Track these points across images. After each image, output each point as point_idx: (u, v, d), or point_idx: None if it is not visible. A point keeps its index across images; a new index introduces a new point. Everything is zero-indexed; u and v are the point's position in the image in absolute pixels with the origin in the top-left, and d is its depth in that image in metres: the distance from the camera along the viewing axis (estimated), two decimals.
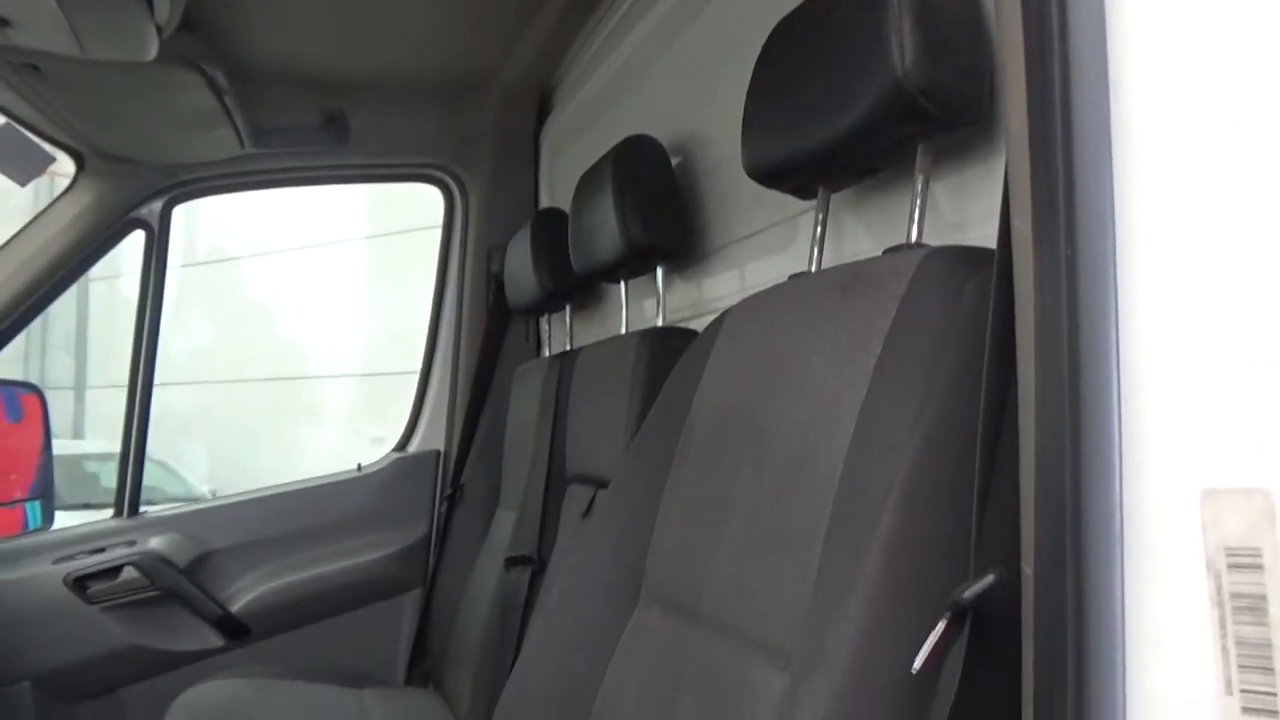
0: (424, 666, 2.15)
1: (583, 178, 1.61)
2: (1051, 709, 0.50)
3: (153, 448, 2.22)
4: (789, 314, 0.93)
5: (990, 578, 0.55)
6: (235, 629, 2.02)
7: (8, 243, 1.92)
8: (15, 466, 2.42)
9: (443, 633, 2.04)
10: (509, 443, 2.07)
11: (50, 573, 1.90)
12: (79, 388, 9.34)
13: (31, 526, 2.35)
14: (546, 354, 2.13)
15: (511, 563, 1.69)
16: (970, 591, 0.56)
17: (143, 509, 2.09)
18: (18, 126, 1.84)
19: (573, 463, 1.64)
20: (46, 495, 2.39)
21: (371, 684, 1.98)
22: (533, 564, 1.63)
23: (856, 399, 0.76)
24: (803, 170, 1.00)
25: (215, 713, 1.63)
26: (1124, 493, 0.49)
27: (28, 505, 2.36)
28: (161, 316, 2.11)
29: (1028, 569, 0.53)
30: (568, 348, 1.90)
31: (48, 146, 1.91)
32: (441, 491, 2.26)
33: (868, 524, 0.66)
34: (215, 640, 2.00)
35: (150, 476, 2.35)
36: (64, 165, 2.02)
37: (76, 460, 6.63)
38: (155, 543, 1.99)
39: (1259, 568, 0.46)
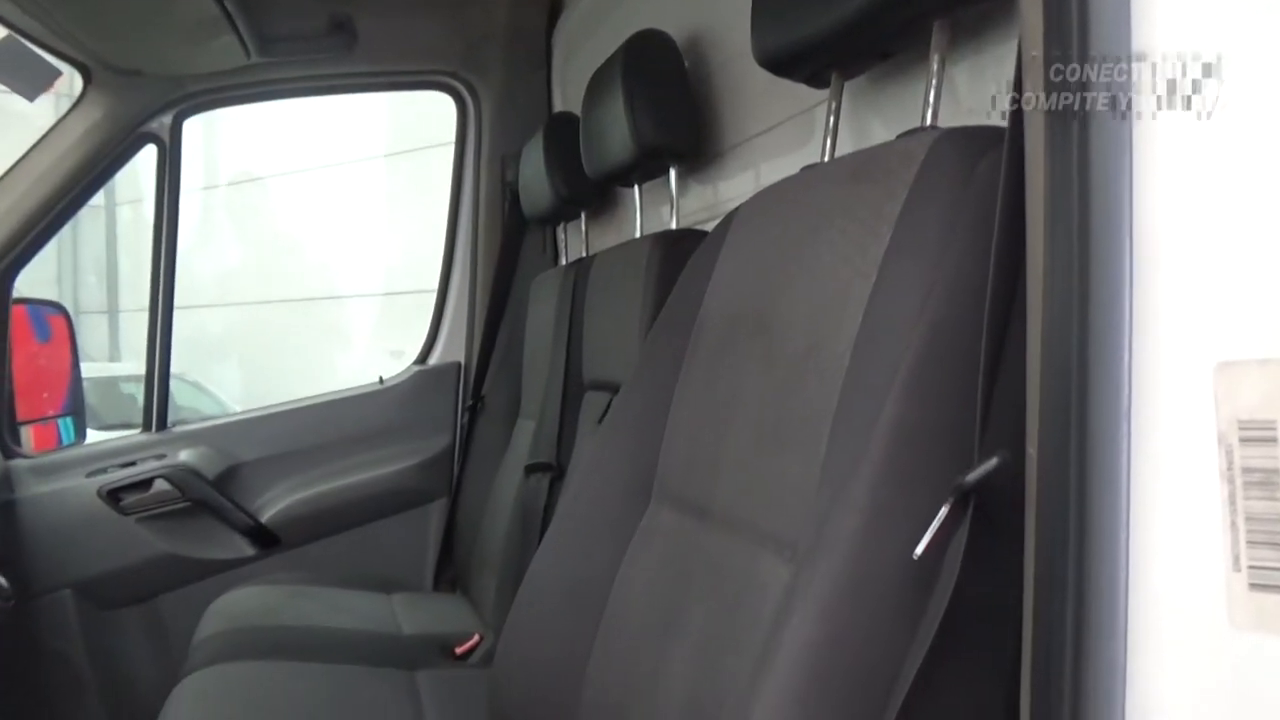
0: (450, 573, 2.20)
1: (593, 78, 1.56)
2: (1053, 590, 0.49)
3: (185, 368, 2.24)
4: (799, 205, 0.91)
5: (994, 461, 0.54)
6: (266, 538, 2.06)
7: (19, 160, 1.91)
8: (47, 385, 2.47)
9: (467, 540, 2.08)
10: (528, 353, 2.07)
11: (84, 485, 1.95)
12: (111, 312, 9.47)
13: (65, 442, 2.40)
14: (564, 263, 2.11)
15: (531, 470, 1.71)
16: (973, 475, 0.54)
17: (171, 424, 2.13)
18: (22, 40, 1.81)
19: (589, 370, 1.64)
20: (77, 411, 2.43)
21: (400, 590, 2.03)
22: (551, 470, 1.65)
23: (865, 288, 0.73)
24: (815, 56, 0.96)
25: (249, 616, 1.68)
26: (1133, 367, 0.47)
27: (60, 421, 2.41)
28: (178, 231, 2.10)
29: (1032, 450, 0.51)
30: (584, 255, 1.87)
31: (53, 60, 1.88)
32: (463, 403, 2.28)
33: (872, 412, 0.64)
34: (247, 549, 2.05)
35: (183, 396, 2.39)
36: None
37: (113, 382, 6.76)
38: (185, 456, 2.03)
39: (1273, 441, 0.44)
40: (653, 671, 0.89)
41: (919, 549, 0.57)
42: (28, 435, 2.16)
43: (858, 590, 0.60)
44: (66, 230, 2.77)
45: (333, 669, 1.47)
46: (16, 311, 2.11)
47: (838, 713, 0.59)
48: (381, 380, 2.29)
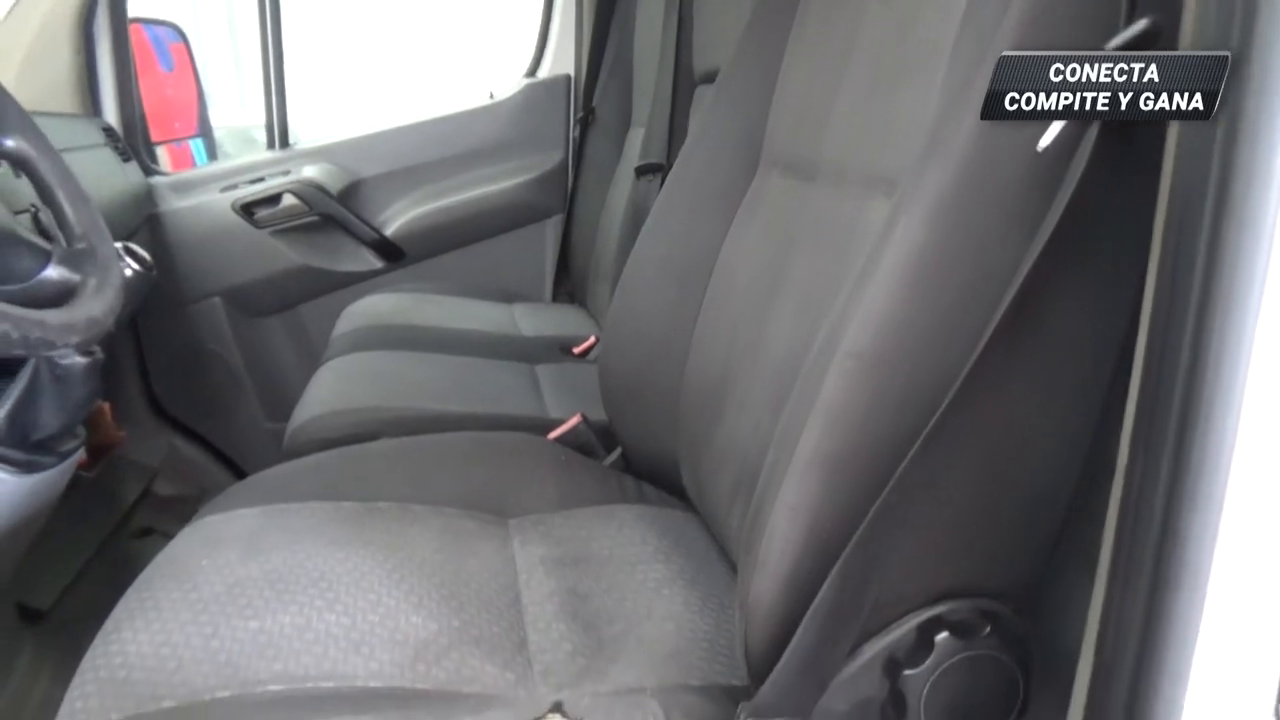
0: (568, 286, 2.25)
1: None
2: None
3: (302, 89, 2.25)
4: None
5: (1143, 23, 0.47)
6: (390, 252, 2.14)
7: None
8: (176, 111, 2.55)
9: (583, 252, 2.11)
10: (638, 58, 1.98)
11: (219, 200, 2.03)
12: (237, 62, 9.56)
13: (199, 162, 2.50)
14: None
15: (641, 172, 1.68)
16: (1119, 39, 0.48)
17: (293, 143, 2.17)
18: None
19: (699, 61, 1.56)
20: (206, 133, 2.52)
21: (519, 301, 2.10)
22: (662, 170, 1.61)
23: None
24: None
25: (380, 316, 1.78)
26: None
27: (191, 142, 2.50)
28: None
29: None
30: None
31: None
32: (573, 116, 2.23)
33: (992, 30, 0.57)
34: (374, 262, 2.14)
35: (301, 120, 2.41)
36: None
37: (244, 131, 6.95)
38: (309, 171, 2.08)
39: None
40: (756, 337, 0.89)
41: (1043, 141, 0.52)
42: (164, 156, 2.26)
43: (970, 191, 0.56)
44: None
45: (457, 359, 1.56)
46: (138, 37, 2.13)
47: (938, 320, 0.57)
48: (492, 96, 2.26)
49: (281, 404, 1.97)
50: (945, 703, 0.62)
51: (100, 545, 1.68)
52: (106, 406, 1.50)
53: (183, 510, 0.99)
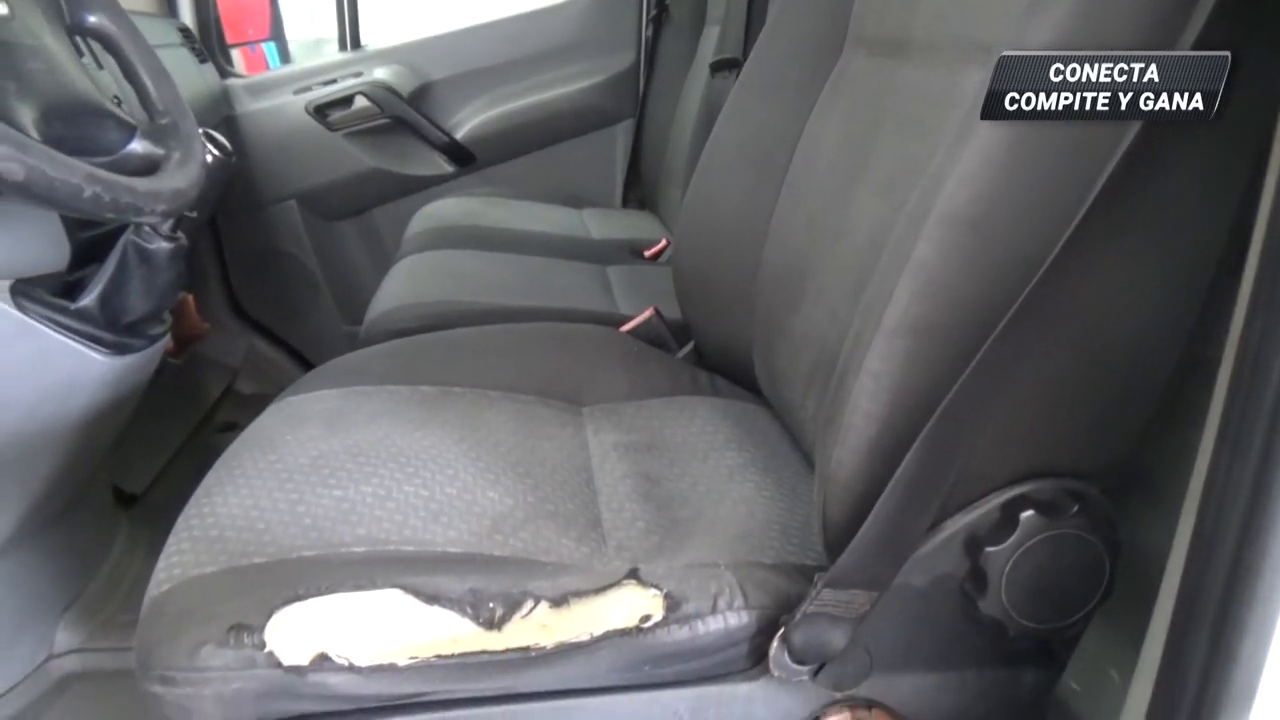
0: (638, 191, 2.23)
1: None
2: None
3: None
4: None
5: None
6: (461, 156, 2.13)
7: None
8: (249, 15, 2.55)
9: (654, 156, 2.07)
10: None
11: (293, 101, 2.04)
12: None
13: (272, 65, 2.51)
14: None
15: (716, 68, 1.63)
16: None
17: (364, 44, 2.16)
18: None
19: None
20: (279, 36, 2.52)
21: (590, 206, 2.09)
22: (738, 66, 1.56)
23: None
24: None
25: (451, 218, 1.78)
26: None
27: (265, 46, 2.51)
28: None
29: None
30: None
31: None
32: (646, 14, 2.17)
33: None
34: (445, 166, 2.14)
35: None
36: None
37: (314, 44, 6.96)
38: (380, 73, 2.07)
39: None
40: (837, 223, 0.86)
41: None
42: (238, 59, 2.27)
43: (1076, 49, 0.52)
44: None
45: (528, 259, 1.56)
46: None
47: (1039, 183, 0.54)
48: None
49: (356, 306, 2.00)
50: (1027, 581, 0.61)
51: (187, 437, 1.75)
52: (190, 298, 1.54)
53: (263, 407, 1.02)
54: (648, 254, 1.72)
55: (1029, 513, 0.60)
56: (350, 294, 2.11)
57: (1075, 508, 0.60)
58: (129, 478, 1.55)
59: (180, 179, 0.78)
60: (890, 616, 0.63)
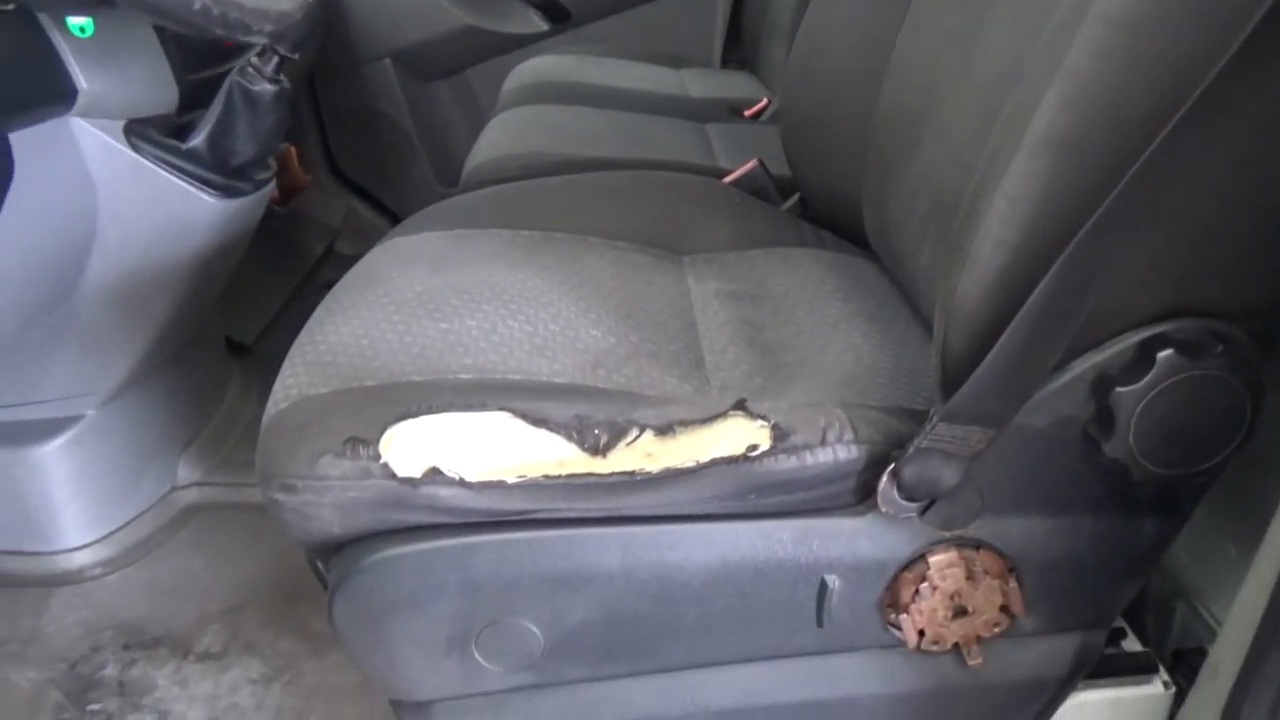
0: (738, 52, 2.13)
1: None
2: None
3: None
4: None
5: None
6: (556, 12, 2.07)
7: None
8: None
9: (755, 13, 1.98)
10: None
11: None
12: None
13: None
14: None
15: None
16: None
17: None
18: None
19: None
20: None
21: (688, 66, 2.01)
22: None
23: None
24: None
25: (548, 74, 1.74)
26: None
27: None
28: None
29: None
30: None
31: None
32: None
33: None
34: (539, 24, 2.08)
35: None
36: None
37: None
38: None
39: None
40: (964, 59, 0.80)
41: None
42: None
43: None
44: None
45: (626, 115, 1.52)
46: None
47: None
48: None
49: (452, 168, 1.99)
50: (1158, 424, 0.58)
51: (292, 293, 1.80)
52: (293, 149, 1.55)
53: None
54: (747, 114, 1.66)
55: (1168, 352, 0.56)
56: (446, 157, 2.11)
57: (1220, 348, 0.56)
58: (240, 329, 1.61)
59: (287, 1, 0.76)
60: (1006, 456, 0.61)
